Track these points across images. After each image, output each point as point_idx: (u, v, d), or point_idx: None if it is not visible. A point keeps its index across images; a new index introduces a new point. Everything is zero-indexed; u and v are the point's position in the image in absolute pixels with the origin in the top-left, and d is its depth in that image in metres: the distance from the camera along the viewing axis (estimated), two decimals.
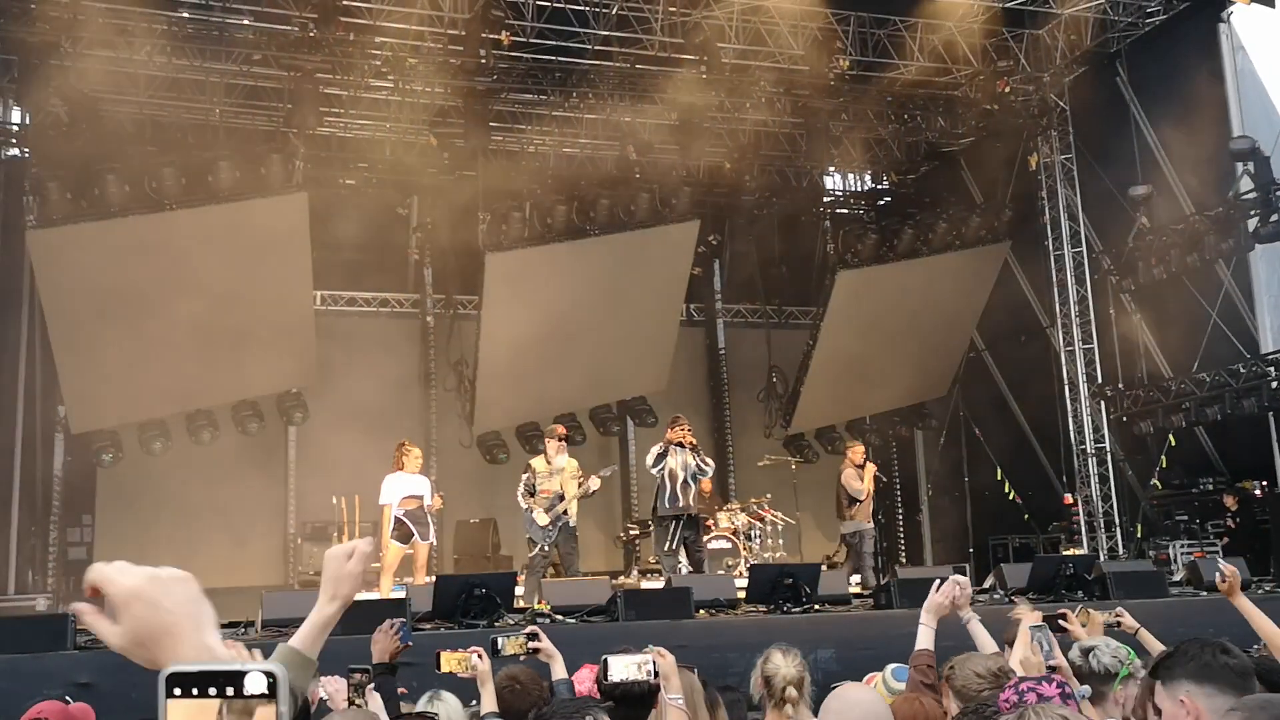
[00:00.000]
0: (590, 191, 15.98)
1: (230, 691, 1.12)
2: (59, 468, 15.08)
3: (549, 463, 11.28)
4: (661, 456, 11.22)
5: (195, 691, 1.12)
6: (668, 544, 11.29)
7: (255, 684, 1.12)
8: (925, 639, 4.10)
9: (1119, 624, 5.07)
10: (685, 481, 11.16)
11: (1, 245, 14.52)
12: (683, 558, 11.50)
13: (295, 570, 15.41)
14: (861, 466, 13.03)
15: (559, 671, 4.04)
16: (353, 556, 2.05)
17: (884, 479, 13.26)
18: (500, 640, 4.14)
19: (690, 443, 11.30)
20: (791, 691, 3.90)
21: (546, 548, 11.08)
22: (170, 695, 1.12)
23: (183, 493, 15.61)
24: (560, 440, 11.50)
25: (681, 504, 11.15)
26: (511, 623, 8.65)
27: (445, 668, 4.11)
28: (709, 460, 11.55)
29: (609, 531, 17.30)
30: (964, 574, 14.76)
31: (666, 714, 3.61)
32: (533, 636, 4.13)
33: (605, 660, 3.56)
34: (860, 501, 12.93)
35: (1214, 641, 2.70)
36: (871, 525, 13.12)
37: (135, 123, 15.17)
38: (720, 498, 15.51)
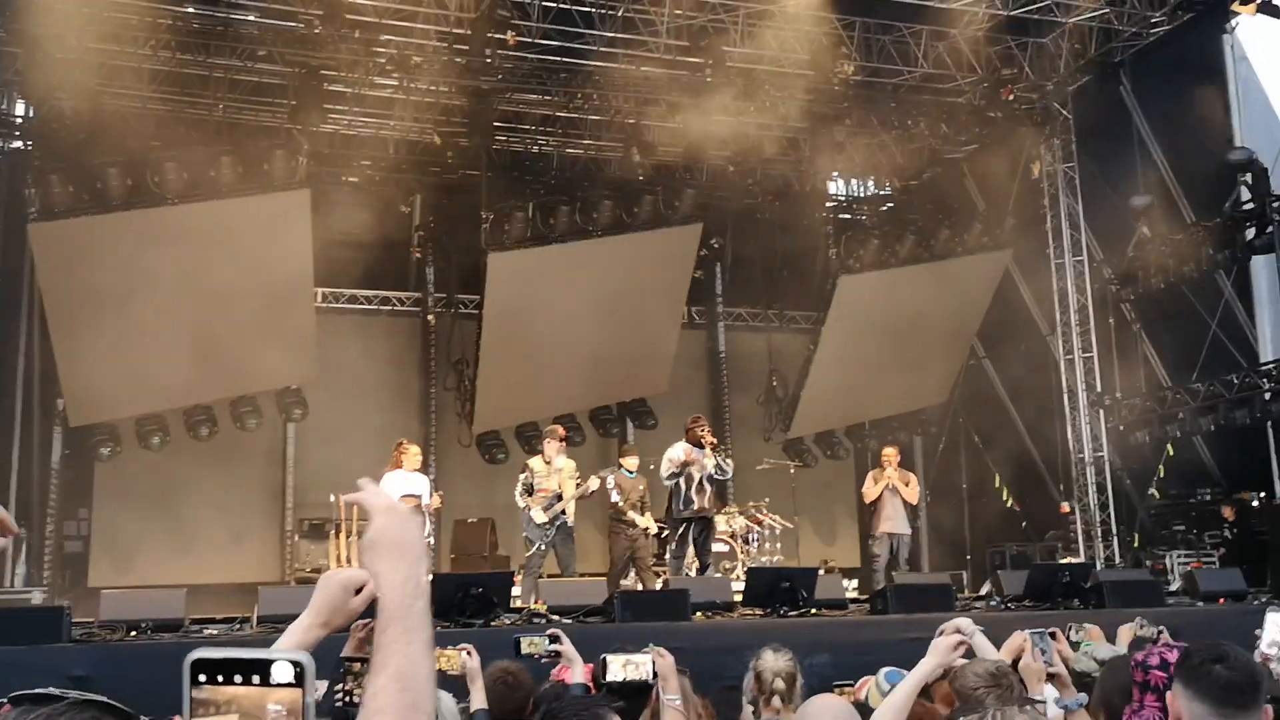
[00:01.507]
0: (593, 193, 15.98)
1: (256, 680, 1.10)
2: (57, 460, 15.07)
3: (548, 463, 11.29)
4: (675, 476, 11.14)
5: (220, 679, 1.10)
6: (677, 544, 11.26)
7: (282, 673, 1.11)
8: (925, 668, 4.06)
9: (1159, 638, 5.04)
10: (701, 483, 11.12)
11: (3, 237, 14.53)
12: (690, 559, 11.48)
13: (292, 567, 15.41)
14: (885, 470, 12.70)
15: (577, 675, 4.05)
16: (359, 594, 1.96)
17: (901, 488, 12.78)
18: (522, 639, 4.15)
19: (711, 442, 11.23)
20: (779, 684, 3.91)
21: (543, 547, 11.08)
22: (195, 683, 1.10)
23: (180, 488, 15.61)
24: (560, 441, 11.53)
25: (696, 506, 11.11)
26: (508, 623, 8.65)
27: (436, 665, 4.10)
28: (729, 462, 11.50)
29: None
30: (961, 580, 14.49)
31: (664, 714, 3.62)
32: (554, 639, 4.14)
33: (604, 659, 3.56)
34: (869, 507, 12.81)
35: (1217, 648, 2.64)
36: (886, 534, 12.51)
37: (138, 117, 15.12)
38: (719, 501, 15.49)
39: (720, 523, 13.86)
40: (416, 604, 1.55)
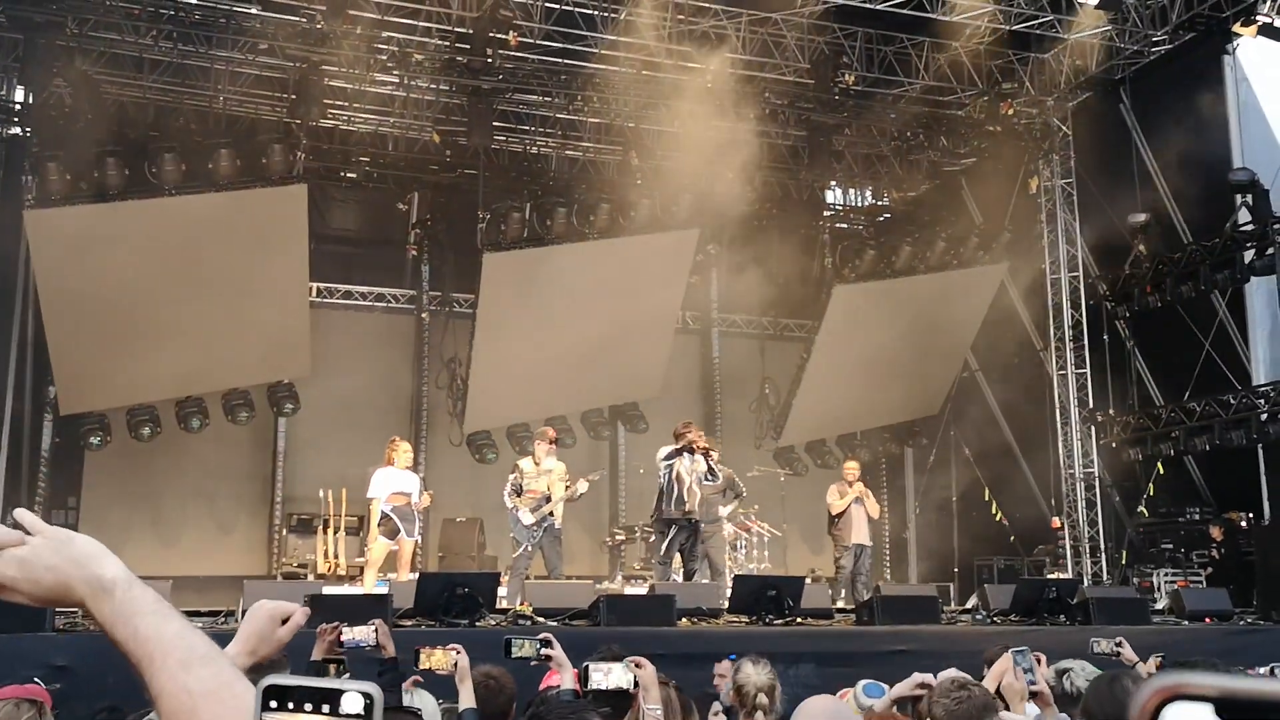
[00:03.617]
0: (591, 195, 15.99)
1: (326, 709, 1.11)
2: (46, 448, 15.03)
3: (537, 464, 11.28)
4: (675, 454, 11.13)
5: (291, 705, 1.11)
6: (664, 549, 11.23)
7: (352, 704, 1.11)
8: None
9: (1119, 654, 5.04)
10: (691, 487, 11.10)
11: None
12: (677, 564, 11.45)
13: (279, 561, 15.39)
14: (852, 484, 12.86)
15: (567, 681, 4.05)
16: (286, 625, 1.96)
17: (865, 501, 12.85)
18: (514, 641, 4.16)
19: (703, 448, 11.21)
20: (762, 699, 3.91)
21: (530, 548, 11.07)
22: (266, 708, 1.12)
23: (169, 479, 15.58)
24: (550, 443, 11.51)
25: (688, 507, 11.10)
26: (493, 623, 8.64)
27: (425, 664, 4.12)
28: (719, 469, 11.47)
29: (595, 535, 17.28)
30: (948, 593, 14.36)
31: None
32: (546, 643, 4.14)
33: (585, 667, 3.57)
34: (833, 519, 12.84)
35: (1217, 664, 2.67)
36: (852, 547, 12.64)
37: (138, 106, 15.15)
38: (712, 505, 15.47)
39: None
40: (131, 592, 1.34)
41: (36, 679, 3.66)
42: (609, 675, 3.54)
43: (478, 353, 15.86)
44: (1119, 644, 5.07)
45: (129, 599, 1.34)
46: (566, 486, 11.26)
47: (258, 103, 15.65)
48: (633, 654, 3.94)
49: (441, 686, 4.49)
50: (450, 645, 4.18)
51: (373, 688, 1.12)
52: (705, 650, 8.00)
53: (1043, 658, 4.48)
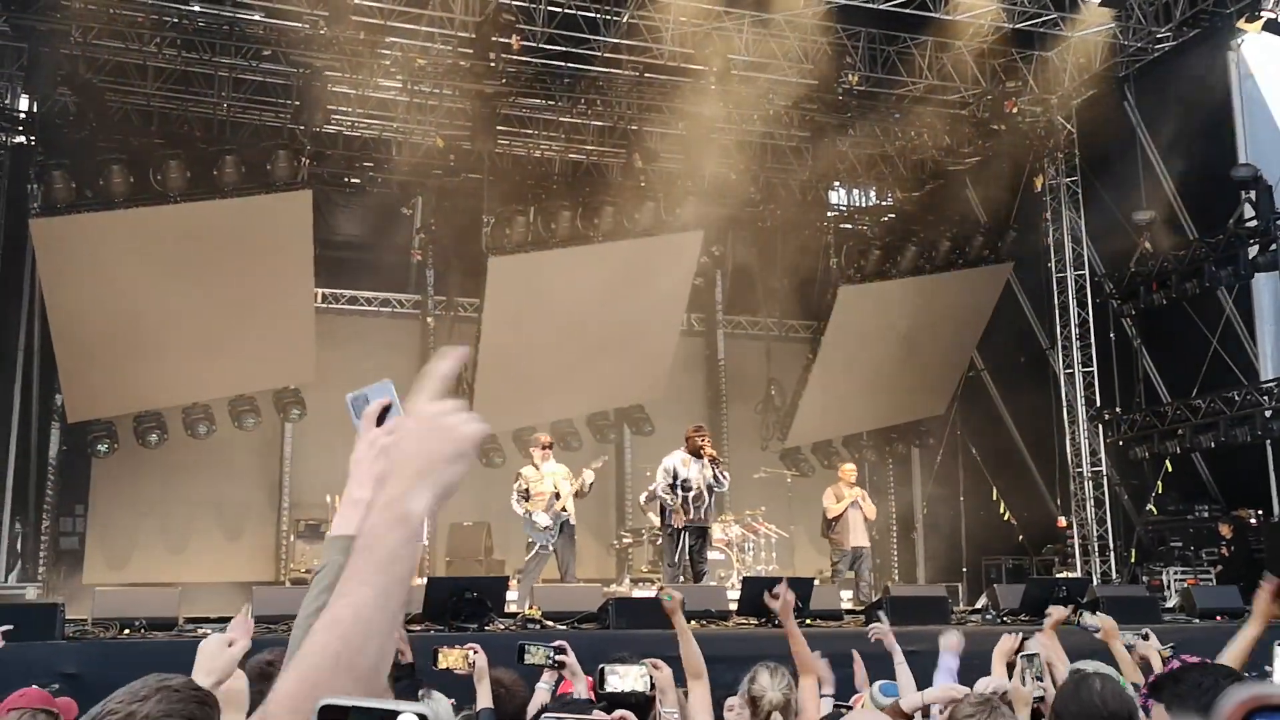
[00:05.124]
0: (595, 198, 15.99)
1: None
2: (54, 456, 15.04)
3: (538, 468, 11.31)
4: (672, 487, 11.07)
5: None
6: (675, 555, 11.20)
7: None
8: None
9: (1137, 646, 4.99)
10: (700, 494, 11.08)
11: (5, 231, 14.52)
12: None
13: (287, 567, 15.39)
14: (850, 487, 12.85)
15: (580, 691, 4.03)
16: (233, 647, 2.56)
17: (862, 504, 12.86)
18: (527, 648, 4.15)
19: (710, 454, 11.19)
20: (777, 716, 3.89)
21: (547, 547, 11.09)
22: None
23: (177, 486, 15.58)
24: (544, 448, 11.51)
25: (693, 515, 11.08)
26: (502, 628, 8.63)
27: (443, 664, 4.12)
28: (726, 475, 11.44)
29: (602, 539, 17.26)
30: (957, 593, 14.35)
31: None
32: (560, 650, 4.13)
33: (601, 670, 3.56)
34: (830, 522, 12.84)
35: (1217, 667, 2.63)
36: (850, 550, 12.65)
37: (142, 114, 15.16)
38: (715, 509, 15.45)
39: (716, 530, 13.81)
40: (389, 536, 1.23)
41: (56, 685, 3.65)
42: (625, 678, 3.53)
43: (483, 357, 15.84)
44: (1145, 635, 5.02)
45: None
46: (572, 482, 11.29)
47: (262, 109, 15.67)
48: (642, 657, 3.92)
49: (455, 687, 4.47)
50: (468, 645, 4.17)
51: (428, 709, 1.11)
52: (714, 653, 7.97)
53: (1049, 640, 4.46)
